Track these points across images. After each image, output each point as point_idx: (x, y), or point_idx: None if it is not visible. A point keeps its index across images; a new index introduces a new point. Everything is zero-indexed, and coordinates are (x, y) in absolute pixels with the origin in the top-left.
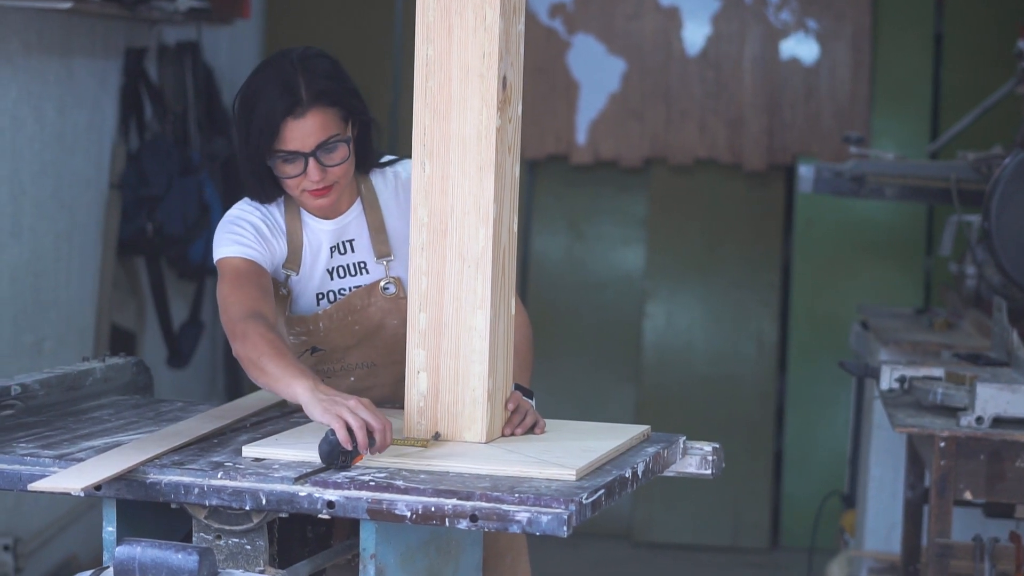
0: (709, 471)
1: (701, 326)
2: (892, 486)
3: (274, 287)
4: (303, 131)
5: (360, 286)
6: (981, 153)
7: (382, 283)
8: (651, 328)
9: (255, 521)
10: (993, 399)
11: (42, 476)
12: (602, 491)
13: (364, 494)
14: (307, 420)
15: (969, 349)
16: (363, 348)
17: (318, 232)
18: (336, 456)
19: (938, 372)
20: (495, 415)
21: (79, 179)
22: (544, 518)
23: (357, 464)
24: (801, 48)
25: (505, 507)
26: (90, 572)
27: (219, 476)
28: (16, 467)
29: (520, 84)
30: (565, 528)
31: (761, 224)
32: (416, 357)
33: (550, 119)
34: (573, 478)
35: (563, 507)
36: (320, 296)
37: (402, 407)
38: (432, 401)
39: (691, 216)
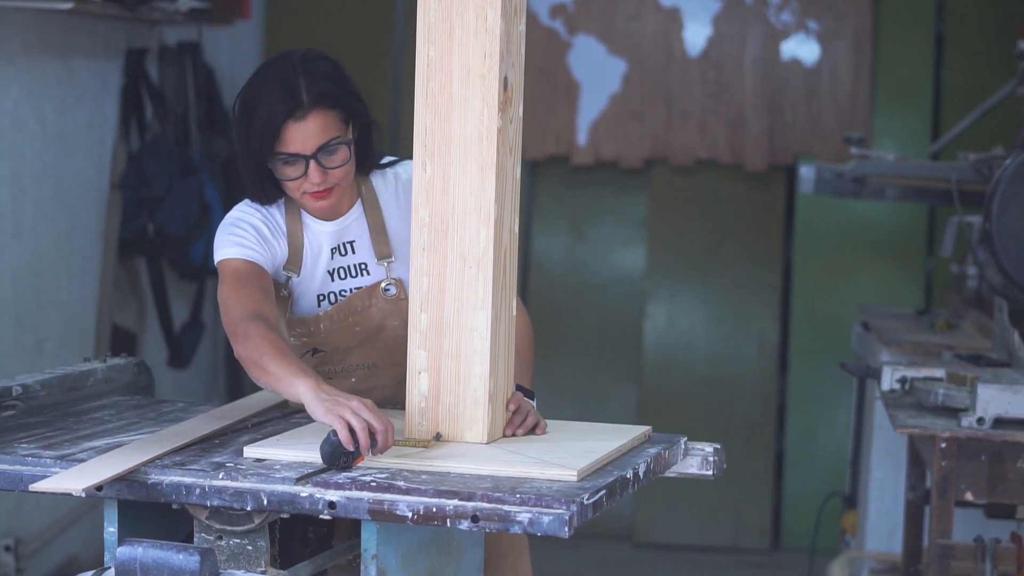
0: (710, 472)
1: (702, 327)
2: (893, 487)
3: (275, 289)
4: (304, 133)
5: (361, 287)
6: (982, 154)
7: (383, 284)
8: (652, 329)
9: (256, 522)
10: (994, 400)
11: (43, 477)
12: (603, 492)
13: (365, 495)
14: (308, 421)
15: (970, 350)
16: (364, 349)
17: (319, 234)
18: (337, 457)
19: (939, 373)
20: (496, 416)
21: (80, 180)
22: (545, 519)
23: (358, 465)
24: (802, 49)
25: (506, 508)
26: (91, 573)
27: (220, 477)
28: (17, 468)
29: (521, 85)
30: (566, 529)
31: (762, 225)
32: (417, 358)
33: (551, 120)
34: (574, 479)
35: (564, 508)
36: (321, 297)
37: (403, 408)
38: (433, 402)
39: (692, 217)
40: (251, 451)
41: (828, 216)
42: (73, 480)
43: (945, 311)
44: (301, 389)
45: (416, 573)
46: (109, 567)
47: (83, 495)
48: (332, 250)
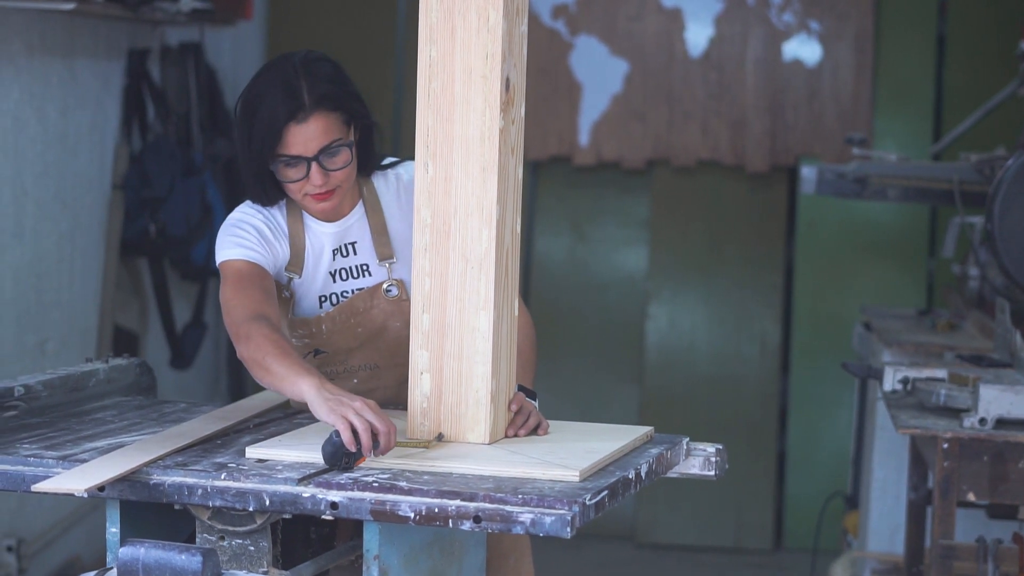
0: (712, 472)
1: (704, 327)
2: (895, 487)
3: (277, 290)
4: (305, 135)
5: (363, 288)
6: (984, 154)
7: (384, 285)
8: (654, 329)
9: (259, 522)
10: (996, 400)
11: (45, 477)
12: (605, 492)
13: (368, 495)
14: (310, 421)
15: (972, 350)
16: (366, 350)
17: (320, 235)
18: (340, 457)
19: (941, 373)
20: (498, 416)
21: (82, 180)
22: (547, 519)
23: (360, 466)
24: (804, 49)
25: (508, 508)
26: (94, 573)
27: (222, 477)
28: (19, 468)
29: (523, 85)
30: (568, 529)
31: (764, 225)
32: (419, 358)
33: (553, 120)
34: (576, 479)
35: (566, 508)
36: (323, 299)
37: (405, 408)
38: (435, 402)
39: (694, 217)
40: (253, 451)
41: (830, 217)
42: (75, 480)
43: (947, 312)
44: (304, 388)
45: (418, 573)
46: (111, 567)
47: (85, 495)
48: (334, 251)
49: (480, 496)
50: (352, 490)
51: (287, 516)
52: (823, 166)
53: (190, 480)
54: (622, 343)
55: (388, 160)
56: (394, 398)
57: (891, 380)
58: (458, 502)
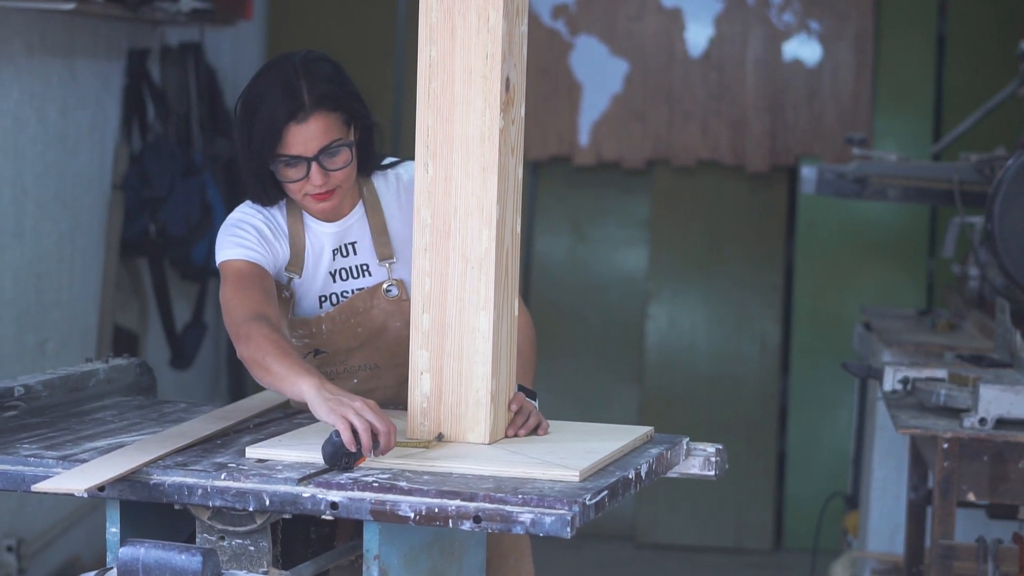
0: (712, 472)
1: (704, 327)
2: (895, 487)
3: (277, 290)
4: (306, 136)
5: (362, 288)
6: (984, 154)
7: (384, 285)
8: (654, 329)
9: (259, 522)
10: (996, 400)
11: (45, 477)
12: (605, 492)
13: (368, 495)
14: (310, 421)
15: (972, 350)
16: (366, 350)
17: (320, 235)
18: (339, 457)
19: (941, 373)
20: (498, 416)
21: (82, 180)
22: (547, 519)
23: (360, 466)
24: (804, 49)
25: (508, 508)
26: (94, 573)
27: (222, 477)
28: (19, 468)
29: (523, 85)
30: (568, 529)
31: (764, 225)
32: (419, 358)
33: (553, 120)
34: (576, 479)
35: (567, 508)
36: (323, 299)
37: (405, 408)
38: (435, 402)
39: (694, 217)
40: (253, 451)
41: (830, 217)
42: (75, 480)
43: (947, 312)
44: (304, 388)
45: (418, 573)
46: (111, 567)
47: (85, 495)
48: (334, 251)
49: (480, 496)
50: (352, 490)
51: (287, 516)
52: (823, 166)
53: (190, 480)
54: (622, 343)
55: (388, 160)
56: (394, 398)
57: (891, 380)
58: (458, 502)
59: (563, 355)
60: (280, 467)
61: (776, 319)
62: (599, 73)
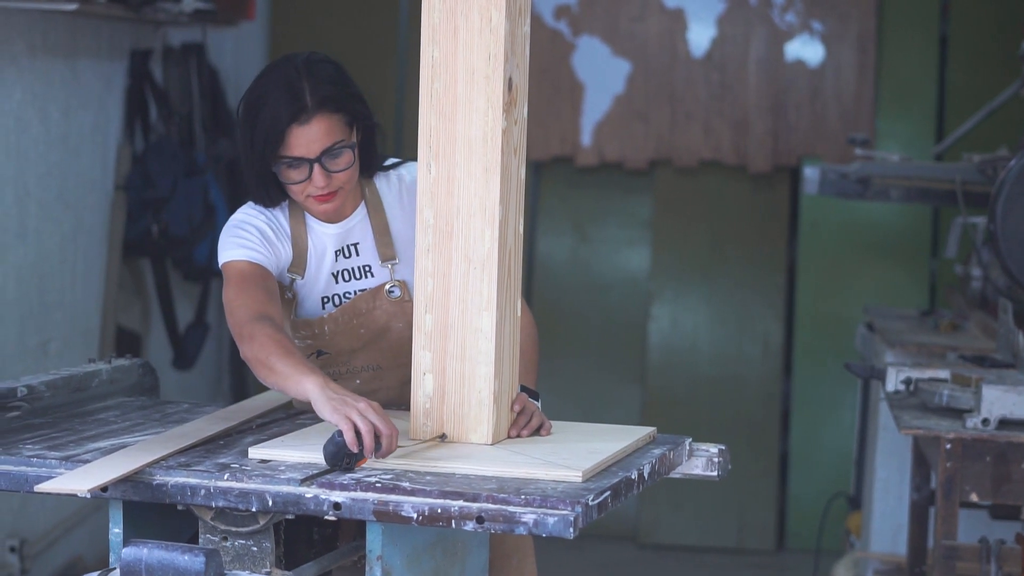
0: (715, 473)
1: (706, 328)
2: (898, 488)
3: (279, 291)
4: (308, 137)
5: (365, 289)
6: (986, 155)
7: (387, 286)
8: (656, 330)
9: (261, 523)
10: (999, 401)
11: (48, 478)
12: (608, 493)
13: (370, 495)
14: (313, 422)
15: (975, 351)
16: (369, 351)
17: (323, 236)
18: (341, 458)
19: (944, 374)
20: (501, 417)
21: (84, 181)
22: (550, 519)
23: (362, 466)
24: (806, 50)
25: (511, 508)
26: (97, 573)
27: (225, 477)
28: (22, 468)
29: (526, 86)
30: (571, 530)
31: (766, 226)
32: (422, 359)
33: (555, 121)
34: (579, 480)
35: (569, 509)
36: (325, 300)
37: (408, 409)
38: (438, 403)
39: (696, 218)
40: (256, 452)
41: (832, 217)
42: (78, 481)
43: (949, 312)
44: (309, 387)
45: (421, 574)
46: (114, 568)
47: (88, 496)
48: (336, 252)
49: (483, 496)
50: (355, 490)
51: (290, 516)
52: (825, 166)
53: (193, 481)
54: (624, 343)
55: (390, 161)
56: (397, 399)
57: (894, 380)
58: (461, 502)
59: (565, 355)
60: (283, 467)
61: (778, 319)
62: (601, 73)
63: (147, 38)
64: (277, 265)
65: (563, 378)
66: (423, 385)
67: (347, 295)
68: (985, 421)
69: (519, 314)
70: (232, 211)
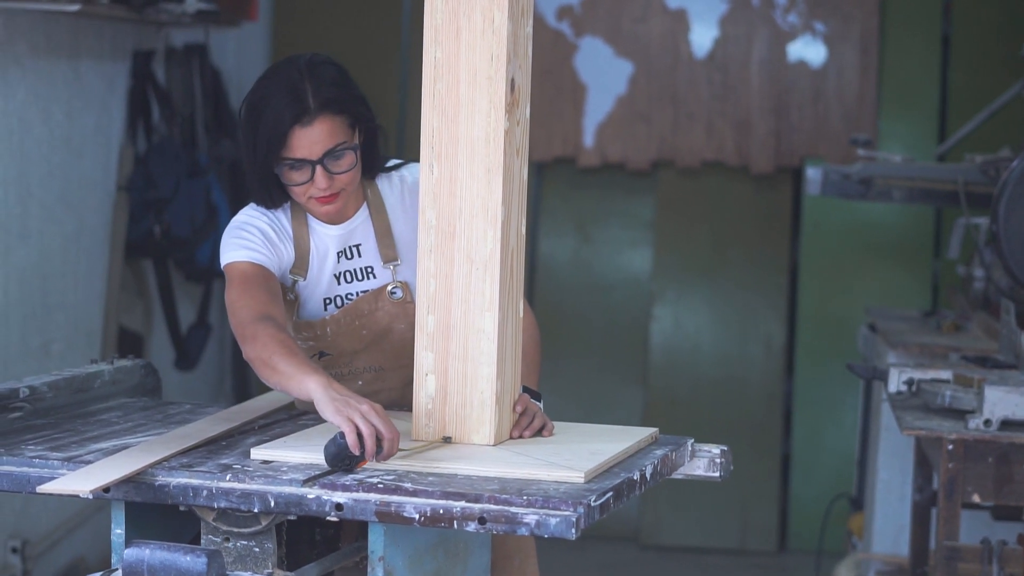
0: (717, 474)
1: (709, 328)
2: (900, 489)
3: (281, 292)
4: (310, 139)
5: (367, 291)
6: (989, 155)
7: (389, 287)
8: (658, 330)
9: (263, 523)
10: (1001, 402)
11: (51, 478)
12: (610, 494)
13: (372, 496)
14: (315, 423)
15: (977, 352)
16: (371, 352)
17: (325, 237)
18: (342, 459)
19: (946, 375)
20: (503, 417)
21: (87, 181)
22: (552, 520)
23: (364, 467)
24: (808, 51)
25: (513, 509)
26: (99, 574)
27: (227, 478)
28: (25, 469)
29: (528, 87)
30: (573, 530)
31: (768, 227)
32: (424, 359)
33: (557, 122)
34: (581, 480)
35: (571, 509)
36: (327, 301)
37: (410, 410)
38: (440, 403)
39: (698, 219)
40: (258, 453)
41: (835, 218)
42: (80, 482)
43: (952, 313)
44: (312, 386)
45: (423, 575)
46: (116, 569)
47: (90, 497)
48: (338, 254)
49: (485, 497)
50: (357, 491)
51: (292, 517)
52: (828, 167)
53: (195, 481)
54: (626, 344)
55: (392, 162)
56: (399, 400)
57: (896, 381)
58: (463, 503)
59: (567, 356)
60: (285, 468)
61: (781, 320)
62: (604, 74)
63: (150, 39)
64: (279, 266)
65: (565, 379)
66: (425, 386)
67: (349, 296)
68: (987, 422)
69: (521, 315)
70: (234, 212)
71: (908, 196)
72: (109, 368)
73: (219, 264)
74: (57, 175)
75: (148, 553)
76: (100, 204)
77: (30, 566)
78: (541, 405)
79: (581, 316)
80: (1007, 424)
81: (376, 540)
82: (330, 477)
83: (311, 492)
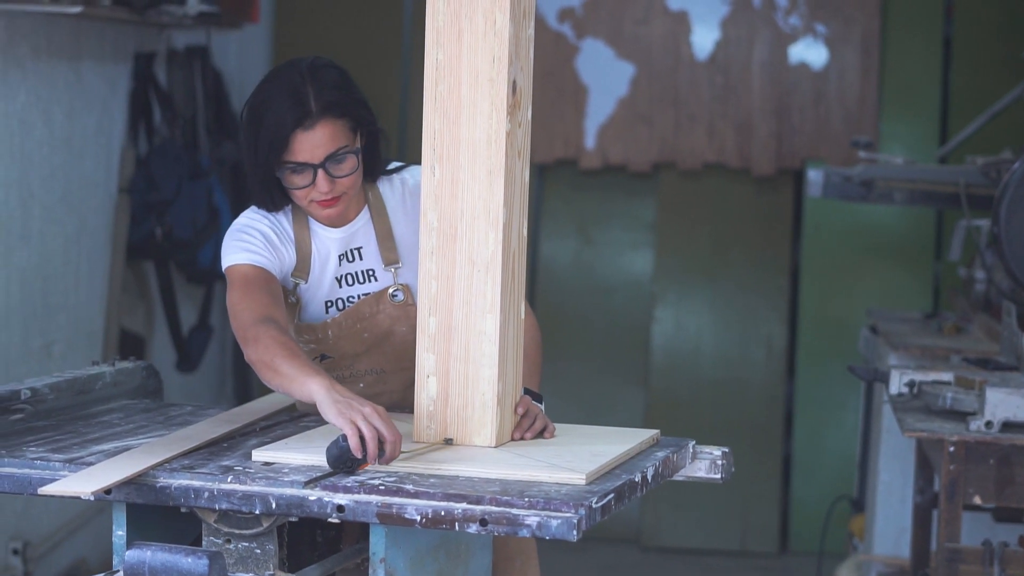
0: (718, 475)
1: (710, 330)
2: (901, 491)
3: (283, 295)
4: (312, 143)
5: (368, 293)
6: (990, 157)
7: (390, 290)
8: (660, 332)
9: (265, 525)
10: (1002, 403)
11: (52, 480)
12: (612, 495)
13: (374, 498)
14: (316, 424)
15: (978, 354)
16: (372, 355)
17: (326, 240)
18: (344, 461)
19: (947, 376)
20: (504, 419)
21: (88, 183)
22: (554, 522)
23: (365, 468)
24: (810, 52)
25: (515, 511)
26: None
27: (229, 480)
28: (26, 471)
29: (530, 88)
30: (575, 532)
31: (770, 228)
32: (426, 361)
33: (559, 123)
34: (583, 482)
35: (573, 511)
36: (329, 304)
37: (412, 412)
38: (442, 405)
39: (700, 220)
40: (259, 454)
41: (836, 220)
42: (82, 483)
43: (953, 315)
44: (314, 388)
45: None
46: (118, 570)
47: (92, 498)
48: (340, 256)
49: (486, 499)
50: (358, 493)
51: (293, 519)
52: (829, 169)
53: (196, 483)
54: (628, 346)
55: (393, 164)
56: (400, 402)
57: (897, 383)
58: (464, 505)
59: (569, 358)
60: (286, 470)
61: (782, 322)
62: (605, 76)
63: (151, 41)
64: (281, 269)
65: (566, 380)
66: (427, 388)
67: (350, 299)
68: (988, 424)
69: (523, 316)
70: (236, 214)
71: (909, 198)
72: (110, 370)
73: (220, 266)
74: (58, 177)
75: (149, 555)
76: (101, 206)
77: (31, 568)
78: (542, 407)
79: (582, 318)
80: (1008, 426)
81: (377, 542)
82: (331, 479)
83: (312, 494)
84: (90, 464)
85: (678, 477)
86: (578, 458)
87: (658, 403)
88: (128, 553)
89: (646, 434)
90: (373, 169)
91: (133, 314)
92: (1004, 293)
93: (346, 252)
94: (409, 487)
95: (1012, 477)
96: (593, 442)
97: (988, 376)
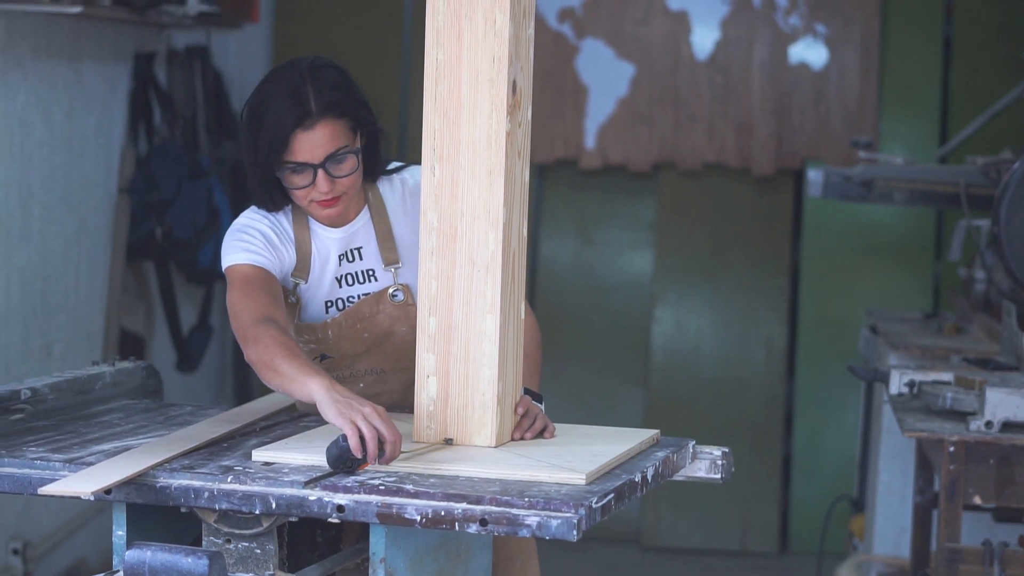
0: (718, 475)
1: (710, 330)
2: (901, 491)
3: (283, 295)
4: (312, 143)
5: (368, 293)
6: (990, 157)
7: (390, 290)
8: (660, 332)
9: (265, 525)
10: (1002, 403)
11: (52, 480)
12: (612, 495)
13: (374, 498)
14: (316, 424)
15: (978, 354)
16: (372, 355)
17: (326, 240)
18: (344, 461)
19: (947, 376)
20: (504, 419)
21: (88, 183)
22: (554, 522)
23: (366, 468)
24: (810, 52)
25: (515, 511)
26: None
27: (229, 480)
28: (26, 471)
29: (530, 88)
30: (575, 532)
31: (770, 228)
32: (426, 361)
33: (559, 123)
34: (583, 482)
35: (573, 511)
36: (329, 304)
37: (411, 412)
38: (442, 405)
39: (700, 220)
40: (259, 454)
41: (836, 220)
42: (82, 483)
43: (953, 315)
44: (314, 388)
45: None
46: (118, 571)
47: (92, 498)
48: (340, 256)
49: (486, 499)
50: (358, 493)
51: (293, 519)
52: (829, 169)
53: (196, 483)
54: (628, 346)
55: (393, 164)
56: (400, 402)
57: (897, 383)
58: (464, 505)
59: (569, 358)
60: (287, 470)
61: (782, 322)
62: (605, 76)
63: (151, 41)
64: (281, 269)
65: (566, 380)
66: (427, 388)
67: (351, 299)
68: (988, 424)
69: (523, 317)
70: (236, 214)
71: (909, 198)
72: (110, 370)
73: (220, 266)
74: (58, 177)
75: (149, 555)
76: (101, 206)
77: (31, 568)
78: (542, 407)
79: (582, 318)
80: (1008, 426)
81: (377, 542)
82: (331, 479)
83: (312, 494)
84: (90, 464)
85: (678, 477)
86: (578, 458)
87: (658, 403)
88: (128, 553)
89: (646, 434)
90: (373, 169)
91: (133, 314)
92: (1004, 293)
93: (346, 252)
94: (409, 487)
95: (1012, 477)
96: (593, 442)
97: (988, 376)
